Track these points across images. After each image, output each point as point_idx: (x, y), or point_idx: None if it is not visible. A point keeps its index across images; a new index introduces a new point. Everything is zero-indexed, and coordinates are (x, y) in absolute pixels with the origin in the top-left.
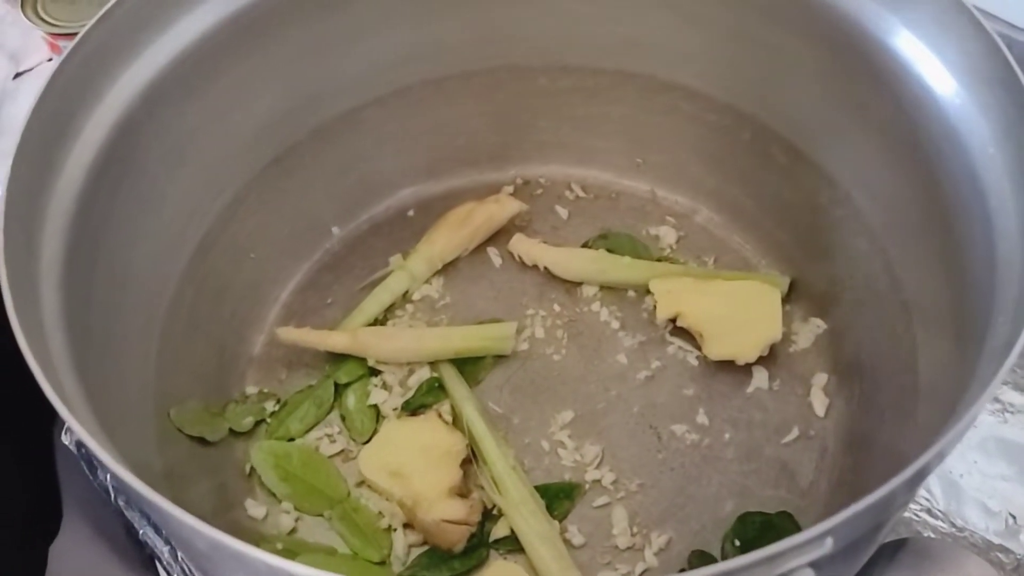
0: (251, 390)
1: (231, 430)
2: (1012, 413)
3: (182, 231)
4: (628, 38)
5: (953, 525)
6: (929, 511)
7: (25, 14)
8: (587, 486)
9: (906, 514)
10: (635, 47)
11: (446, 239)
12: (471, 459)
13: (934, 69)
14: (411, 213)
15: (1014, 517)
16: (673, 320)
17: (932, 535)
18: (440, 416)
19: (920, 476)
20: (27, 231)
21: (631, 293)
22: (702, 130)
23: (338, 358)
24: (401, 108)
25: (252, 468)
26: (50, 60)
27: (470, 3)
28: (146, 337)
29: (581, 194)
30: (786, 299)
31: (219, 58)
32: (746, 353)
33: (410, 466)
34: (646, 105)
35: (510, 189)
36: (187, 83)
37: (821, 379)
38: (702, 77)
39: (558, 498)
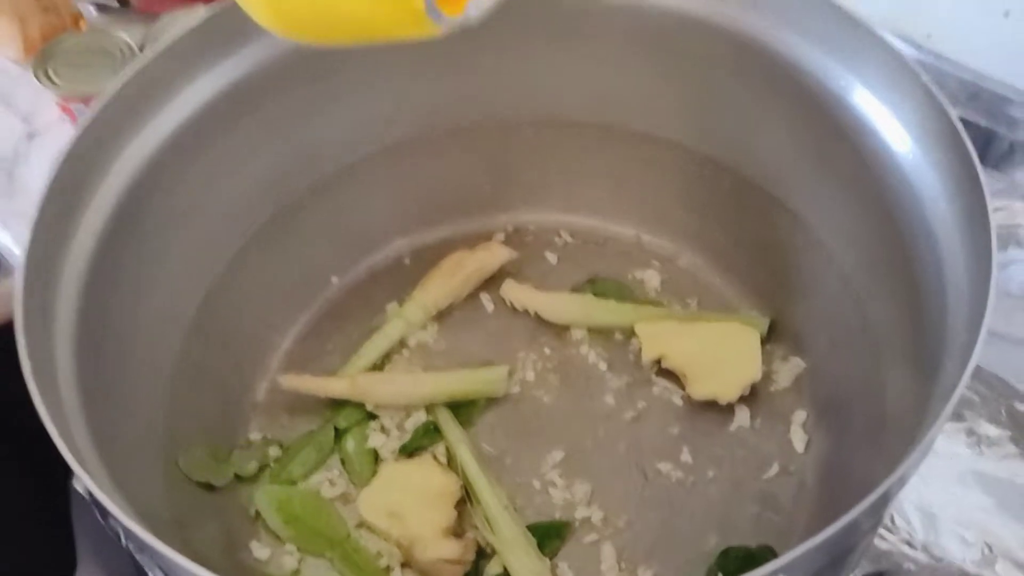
0: (255, 436)
1: (236, 475)
2: (988, 446)
3: (187, 287)
4: (608, 93)
5: (931, 556)
6: (908, 543)
7: (37, 77)
8: (577, 524)
9: (886, 546)
10: (615, 101)
11: (439, 287)
12: (466, 500)
13: (890, 126)
14: (407, 261)
15: (990, 547)
16: (658, 361)
17: (912, 566)
18: (435, 458)
19: (877, 506)
20: (43, 297)
21: (618, 335)
22: (683, 178)
23: (338, 403)
24: (392, 162)
25: (257, 512)
26: (62, 122)
27: (453, 64)
28: (154, 389)
29: (569, 240)
30: (766, 339)
31: (218, 124)
32: (728, 393)
33: (407, 507)
34: (629, 155)
35: (501, 236)
36: (189, 149)
37: (800, 416)
38: (680, 130)
39: (549, 536)
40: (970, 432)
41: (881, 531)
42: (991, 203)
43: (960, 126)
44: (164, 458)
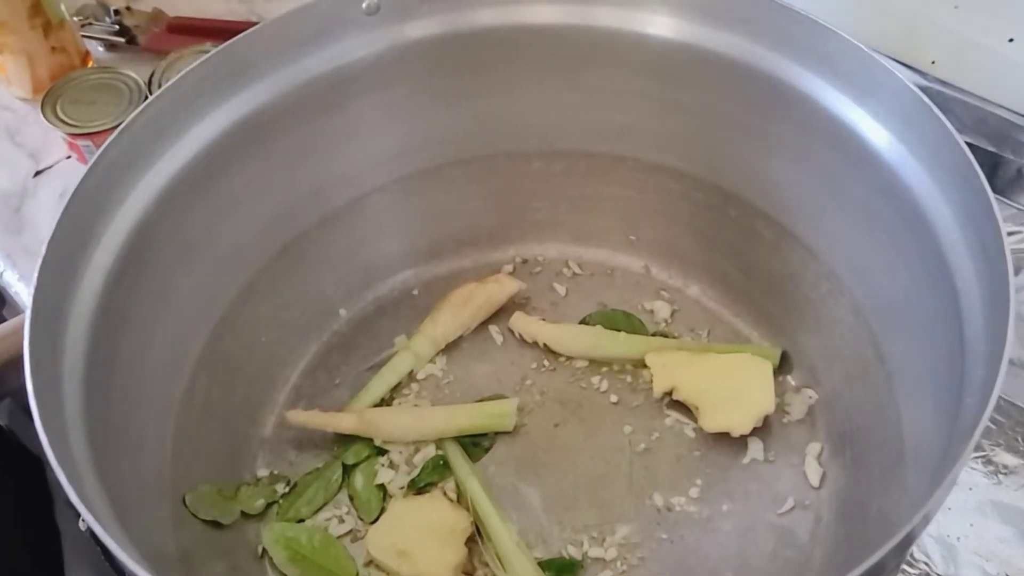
0: (262, 472)
1: (243, 512)
2: (1006, 475)
3: (196, 321)
4: (615, 124)
5: None
6: (927, 575)
7: (45, 115)
8: (589, 561)
9: None
10: (623, 132)
11: (448, 319)
12: (476, 537)
13: (901, 156)
14: (415, 292)
15: None
16: (669, 393)
17: None
18: (445, 494)
19: (902, 547)
20: (52, 336)
21: (629, 367)
22: (691, 208)
23: (346, 439)
24: (401, 195)
25: (264, 549)
26: (68, 158)
27: (462, 98)
28: (162, 425)
29: (578, 271)
30: (779, 370)
31: (228, 160)
32: (741, 425)
33: (416, 545)
34: (637, 185)
35: (510, 268)
36: (198, 185)
37: (815, 449)
38: (687, 159)
39: (562, 574)
40: (988, 461)
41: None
42: (1005, 232)
43: (971, 156)
44: (171, 496)
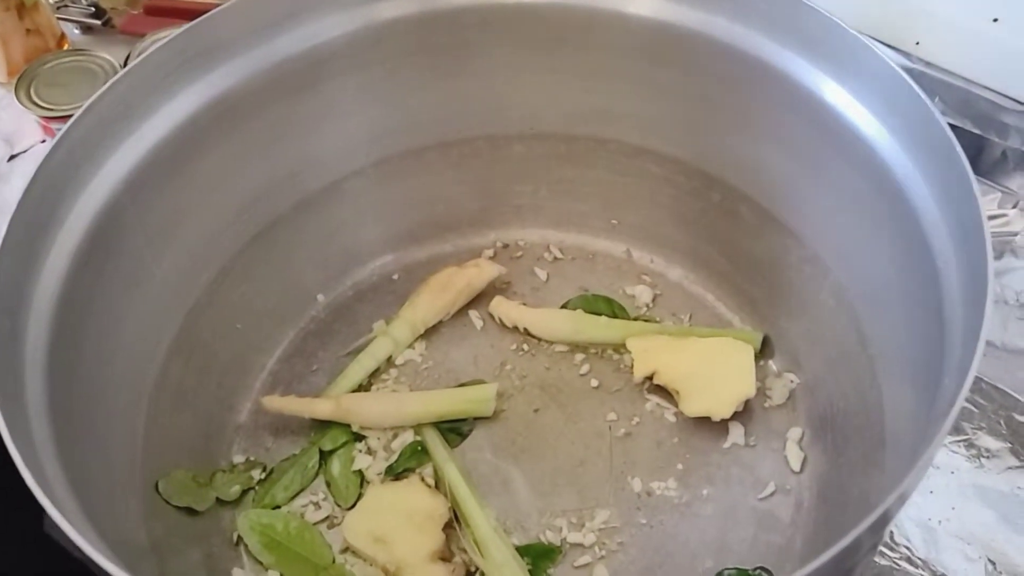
0: (238, 459)
1: (218, 499)
2: (988, 458)
3: (168, 307)
4: (597, 106)
5: (933, 573)
6: (909, 559)
7: (19, 98)
8: (568, 546)
9: (885, 562)
10: (604, 114)
11: (428, 304)
12: (454, 522)
13: (884, 139)
14: (395, 277)
15: (993, 563)
16: (650, 378)
17: None
18: (423, 480)
19: (878, 527)
20: (12, 317)
21: (609, 351)
22: (673, 191)
23: (323, 425)
24: (380, 178)
25: (239, 536)
26: (43, 142)
27: (440, 79)
28: (133, 413)
29: (559, 255)
30: (760, 354)
31: (200, 141)
32: (721, 410)
33: (393, 531)
34: (619, 168)
35: (491, 252)
36: (168, 167)
37: (796, 433)
38: (670, 142)
39: (540, 559)
40: (969, 445)
41: (881, 548)
42: (986, 214)
43: (954, 138)
44: (143, 484)
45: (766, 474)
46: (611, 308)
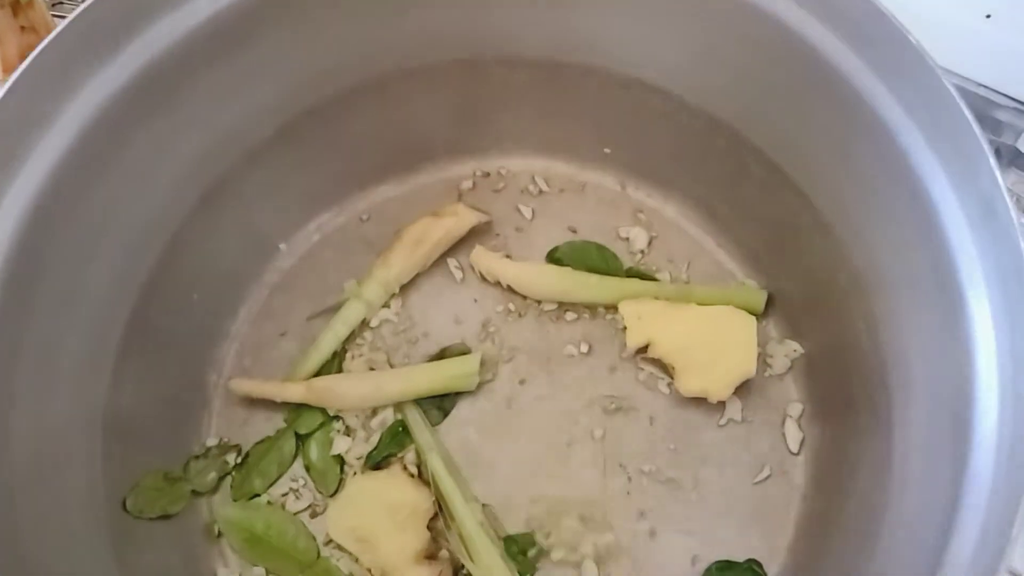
0: (211, 441)
1: (193, 491)
2: None
3: (110, 307)
4: (584, 33)
5: None
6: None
7: None
8: (557, 533)
9: None
10: (592, 42)
11: (402, 261)
12: (439, 514)
13: (900, 119)
14: (364, 217)
15: None
16: (644, 348)
17: None
18: (405, 468)
19: None
20: None
21: (601, 310)
22: (674, 128)
23: (298, 404)
24: (340, 112)
25: (220, 530)
26: None
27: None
28: (88, 434)
29: (545, 188)
30: (764, 313)
31: (130, 114)
32: (718, 390)
33: (377, 530)
34: (611, 99)
35: (469, 183)
36: (106, 139)
37: (796, 409)
38: (668, 77)
39: (527, 548)
40: None
41: None
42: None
43: (976, 126)
44: (107, 507)
45: (762, 454)
46: (603, 258)
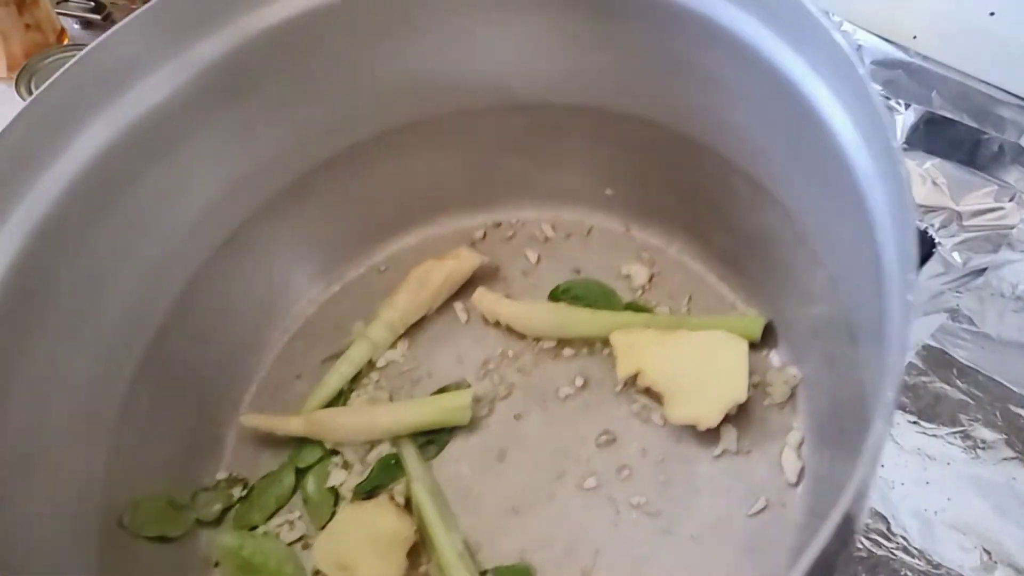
0: (222, 475)
1: (197, 520)
2: (984, 449)
3: (129, 332)
4: (571, 72)
5: (929, 562)
6: (905, 549)
7: (19, 93)
8: (541, 566)
9: (881, 552)
10: (579, 81)
11: (406, 303)
12: (421, 545)
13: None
14: (383, 269)
15: (988, 553)
16: (635, 378)
17: (909, 573)
18: (393, 499)
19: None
20: None
21: (598, 346)
22: (665, 159)
23: (301, 440)
24: (353, 167)
25: (218, 561)
26: None
27: (401, 51)
28: (90, 445)
29: (551, 234)
30: (763, 344)
31: (136, 159)
32: (708, 418)
33: (357, 557)
34: (605, 136)
35: (480, 233)
36: (101, 192)
37: (795, 438)
38: (650, 107)
39: None
40: (965, 436)
41: (877, 538)
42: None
43: (886, 115)
44: (101, 521)
45: (758, 485)
46: (603, 293)
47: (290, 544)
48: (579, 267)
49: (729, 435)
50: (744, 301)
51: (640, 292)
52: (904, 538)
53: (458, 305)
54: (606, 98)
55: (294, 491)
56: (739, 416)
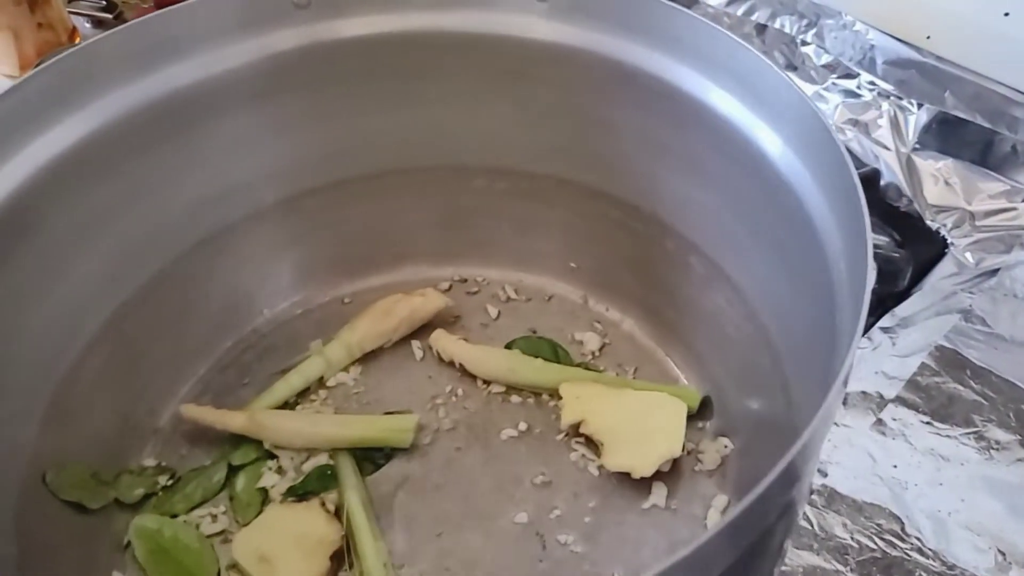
0: (149, 462)
1: (117, 500)
2: (998, 450)
3: (90, 302)
4: (553, 144)
5: (943, 563)
6: (919, 550)
7: None
8: None
9: (896, 553)
10: (561, 153)
11: (367, 328)
12: (344, 552)
13: (810, 193)
14: (347, 300)
15: (1003, 554)
16: (577, 426)
17: (923, 574)
18: (323, 505)
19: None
20: None
21: (545, 397)
22: (630, 238)
23: (237, 439)
24: (337, 199)
25: (129, 541)
26: None
27: (398, 104)
28: (30, 398)
29: (513, 296)
30: (700, 414)
31: (144, 137)
32: (643, 467)
33: (280, 553)
34: (579, 210)
35: (446, 285)
36: (105, 158)
37: (721, 501)
38: (623, 187)
39: None
40: (979, 437)
41: (892, 539)
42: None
43: (862, 197)
44: (25, 475)
45: (681, 541)
46: (554, 352)
47: (209, 536)
48: (535, 327)
49: (659, 491)
50: (687, 376)
51: (590, 357)
52: (919, 539)
53: (415, 343)
54: (586, 174)
55: (222, 488)
56: (671, 475)
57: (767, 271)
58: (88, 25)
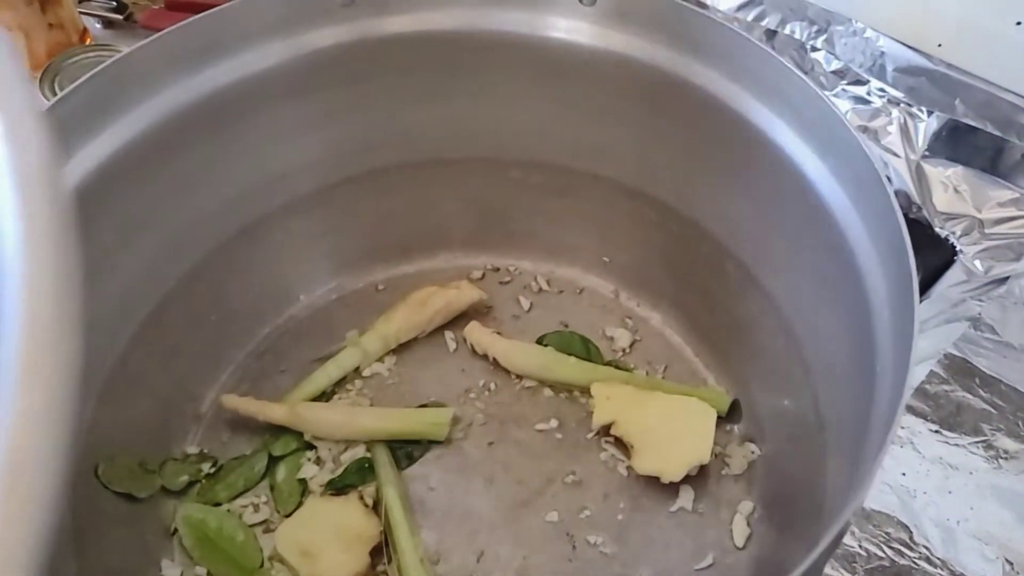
0: (192, 450)
1: (163, 487)
2: (1006, 459)
3: (135, 296)
4: (594, 143)
5: (952, 572)
6: (928, 559)
7: (43, 92)
8: None
9: (904, 562)
10: (601, 152)
11: (403, 319)
12: (383, 546)
13: (852, 223)
14: (381, 288)
15: (1011, 563)
16: (608, 427)
17: None
18: (362, 498)
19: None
20: None
21: (576, 393)
22: (666, 238)
23: (277, 429)
24: (374, 188)
25: (175, 528)
26: None
27: (438, 99)
28: (81, 392)
29: (545, 287)
30: (728, 418)
31: (186, 136)
32: (672, 471)
33: (321, 546)
34: (614, 207)
35: (479, 274)
36: (147, 161)
37: (746, 507)
38: (664, 189)
39: None
40: (988, 446)
41: (900, 548)
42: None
43: (896, 204)
44: (78, 465)
45: (707, 544)
46: (585, 348)
47: (252, 525)
48: (567, 321)
49: (687, 494)
50: (716, 378)
51: (620, 354)
52: (927, 547)
53: (448, 334)
54: (623, 173)
55: (263, 477)
56: (698, 479)
57: (804, 289)
58: (98, 25)
